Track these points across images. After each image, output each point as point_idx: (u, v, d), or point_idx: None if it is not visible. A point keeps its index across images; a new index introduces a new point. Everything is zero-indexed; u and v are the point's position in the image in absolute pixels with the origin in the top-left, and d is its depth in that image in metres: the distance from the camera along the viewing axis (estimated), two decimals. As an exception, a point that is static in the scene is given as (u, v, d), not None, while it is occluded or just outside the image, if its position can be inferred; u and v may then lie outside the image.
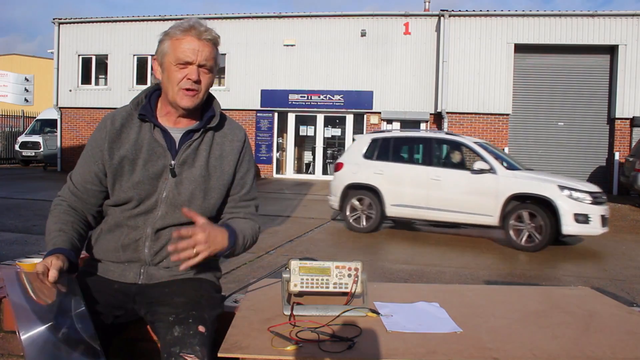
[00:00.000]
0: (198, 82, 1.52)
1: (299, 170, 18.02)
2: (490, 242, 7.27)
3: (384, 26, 16.46)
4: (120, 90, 17.81)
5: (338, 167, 8.12)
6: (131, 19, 18.05)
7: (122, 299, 1.49)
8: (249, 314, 1.42)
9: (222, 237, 1.45)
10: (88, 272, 1.55)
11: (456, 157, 7.72)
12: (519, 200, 6.76)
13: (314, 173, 17.54)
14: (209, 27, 1.53)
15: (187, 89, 1.51)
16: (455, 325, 1.38)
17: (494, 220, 6.82)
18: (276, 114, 17.44)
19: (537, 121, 15.65)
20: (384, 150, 7.90)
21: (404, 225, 8.34)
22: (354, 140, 8.61)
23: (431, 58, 16.07)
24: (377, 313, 1.43)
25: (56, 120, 18.93)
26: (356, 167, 7.83)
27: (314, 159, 17.73)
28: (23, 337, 1.21)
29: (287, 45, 17.00)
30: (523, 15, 15.35)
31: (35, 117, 21.05)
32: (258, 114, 17.40)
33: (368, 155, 7.91)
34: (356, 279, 1.47)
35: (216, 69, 1.58)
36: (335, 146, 17.65)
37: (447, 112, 15.51)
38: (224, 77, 17.74)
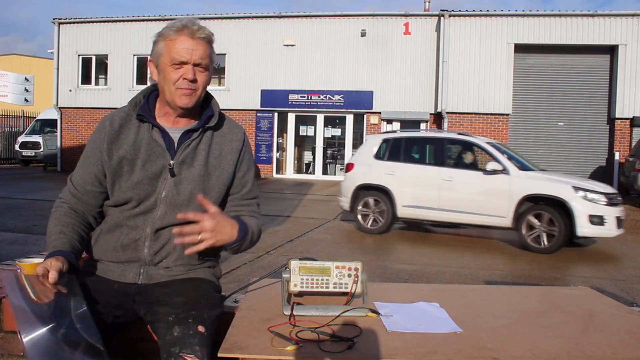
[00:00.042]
0: (194, 81, 1.51)
1: (299, 170, 18.02)
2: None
3: (384, 26, 16.46)
4: (120, 90, 17.82)
5: (349, 167, 8.05)
6: (131, 19, 18.06)
7: (122, 299, 1.49)
8: (249, 314, 1.42)
9: (232, 229, 1.45)
10: (88, 272, 1.55)
11: (468, 157, 7.61)
12: (533, 202, 6.66)
13: (314, 173, 17.54)
14: (202, 25, 1.52)
15: (184, 89, 1.51)
16: (455, 325, 1.38)
17: (507, 221, 6.73)
18: (276, 114, 17.44)
19: (537, 121, 15.65)
20: (395, 150, 7.83)
21: (416, 227, 8.26)
22: (365, 140, 8.54)
23: (431, 58, 16.07)
24: (377, 313, 1.43)
25: (56, 120, 18.92)
26: (367, 167, 7.76)
27: (314, 159, 17.73)
28: (25, 339, 1.21)
29: (287, 45, 17.00)
30: (523, 15, 15.35)
31: (35, 117, 21.05)
32: (258, 114, 17.40)
33: (379, 155, 7.85)
34: (356, 279, 1.47)
35: (212, 67, 1.58)
36: (335, 146, 17.65)
37: (447, 112, 15.51)
38: (224, 77, 17.74)
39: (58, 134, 18.90)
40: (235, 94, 17.26)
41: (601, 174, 14.96)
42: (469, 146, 7.60)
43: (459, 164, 7.57)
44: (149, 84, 1.68)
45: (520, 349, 1.24)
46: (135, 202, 1.54)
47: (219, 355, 1.20)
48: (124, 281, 1.53)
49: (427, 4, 18.37)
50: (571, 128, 15.52)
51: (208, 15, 17.55)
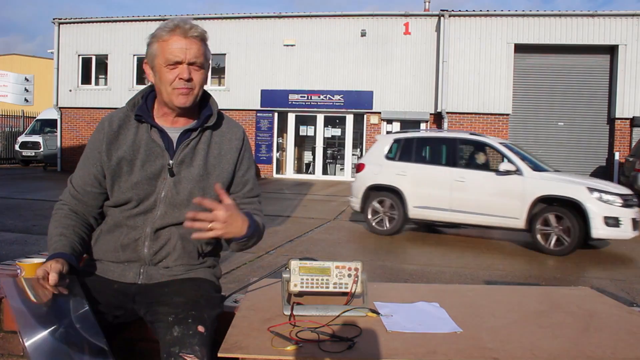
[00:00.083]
0: (190, 80, 1.51)
1: (299, 170, 18.02)
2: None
3: (384, 26, 16.46)
4: (120, 90, 17.82)
5: (360, 167, 7.96)
6: (131, 19, 18.06)
7: (122, 299, 1.49)
8: (249, 314, 1.42)
9: (242, 224, 1.45)
10: (88, 272, 1.55)
11: (480, 158, 7.46)
12: (547, 203, 6.54)
13: (314, 173, 17.55)
14: (194, 23, 1.52)
15: (181, 88, 1.51)
16: (455, 325, 1.38)
17: (520, 223, 6.62)
18: (276, 114, 17.44)
19: (537, 121, 15.65)
20: (407, 150, 7.73)
21: (427, 228, 8.16)
22: (376, 140, 8.33)
23: (431, 58, 16.07)
24: (377, 313, 1.43)
25: (56, 120, 18.93)
26: (378, 168, 7.67)
27: (314, 159, 17.73)
28: (27, 342, 1.21)
29: (287, 45, 17.00)
30: (523, 15, 15.35)
31: (35, 117, 21.05)
32: (258, 114, 17.40)
33: (390, 156, 7.76)
34: (356, 279, 1.47)
35: (208, 65, 1.57)
36: (335, 146, 17.65)
37: (447, 112, 15.51)
38: (224, 77, 17.75)
39: (58, 134, 18.90)
40: (235, 94, 17.26)
41: (601, 174, 14.96)
42: (481, 146, 7.47)
43: (471, 164, 7.44)
44: (148, 84, 1.68)
45: (520, 349, 1.24)
46: (135, 202, 1.54)
47: (219, 355, 1.20)
48: (124, 281, 1.53)
49: (427, 4, 18.38)
50: (571, 128, 15.53)
51: (208, 15, 17.56)
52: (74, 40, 18.57)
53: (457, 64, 15.49)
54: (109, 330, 1.43)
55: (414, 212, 7.34)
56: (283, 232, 7.21)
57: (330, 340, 1.24)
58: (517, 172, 6.74)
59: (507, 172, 6.75)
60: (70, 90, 18.64)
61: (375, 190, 7.62)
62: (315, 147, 17.57)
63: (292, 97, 17.02)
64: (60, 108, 18.77)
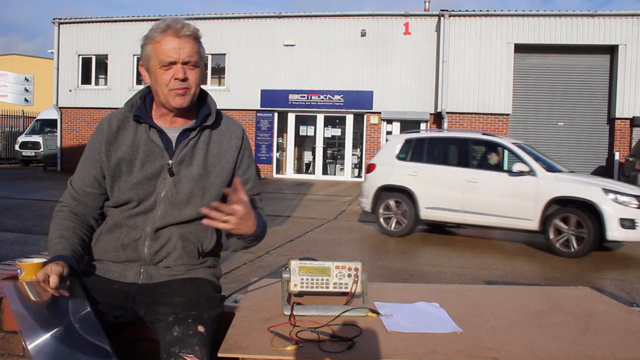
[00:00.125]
0: (185, 79, 1.51)
1: (299, 170, 18.02)
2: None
3: (384, 26, 16.46)
4: (120, 90, 17.82)
5: (370, 168, 7.86)
6: (131, 19, 18.06)
7: (122, 299, 1.49)
8: (249, 314, 1.42)
9: (253, 224, 1.47)
10: (88, 272, 1.55)
11: (493, 158, 7.39)
12: (561, 204, 6.42)
13: (314, 173, 17.55)
14: (186, 22, 1.51)
15: (177, 89, 1.51)
16: (455, 325, 1.38)
17: (533, 224, 6.51)
18: (276, 114, 17.44)
19: (537, 121, 15.65)
20: (418, 151, 7.62)
21: (439, 229, 8.07)
22: (387, 140, 8.34)
23: (431, 58, 16.07)
24: (377, 313, 1.43)
25: (56, 120, 18.93)
26: (389, 168, 7.58)
27: (314, 159, 17.73)
28: (30, 345, 1.21)
29: (287, 45, 17.00)
30: (523, 15, 15.35)
31: (35, 117, 21.06)
32: (258, 114, 17.40)
33: (401, 156, 7.65)
34: (356, 279, 1.47)
35: (203, 63, 1.57)
36: (335, 146, 17.65)
37: (447, 112, 15.51)
38: (224, 77, 17.75)
39: (58, 134, 18.91)
40: (235, 94, 17.26)
41: (601, 174, 14.95)
42: (493, 147, 7.39)
43: (483, 165, 7.34)
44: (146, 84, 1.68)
45: (520, 349, 1.24)
46: (135, 202, 1.54)
47: (219, 355, 1.20)
48: (125, 281, 1.53)
49: (427, 4, 18.38)
50: (571, 128, 15.53)
51: (208, 15, 17.56)
52: (74, 40, 18.57)
53: (457, 64, 15.49)
54: (109, 330, 1.43)
55: (425, 213, 7.24)
56: (283, 232, 7.21)
57: (330, 340, 1.24)
58: (531, 172, 6.64)
59: (521, 173, 6.65)
60: (70, 90, 18.64)
61: (386, 191, 7.53)
62: (315, 147, 17.57)
63: (292, 97, 17.02)
64: (60, 108, 18.78)
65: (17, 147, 19.13)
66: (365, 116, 16.78)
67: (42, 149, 18.82)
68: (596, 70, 15.42)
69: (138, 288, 1.52)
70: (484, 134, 7.80)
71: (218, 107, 1.68)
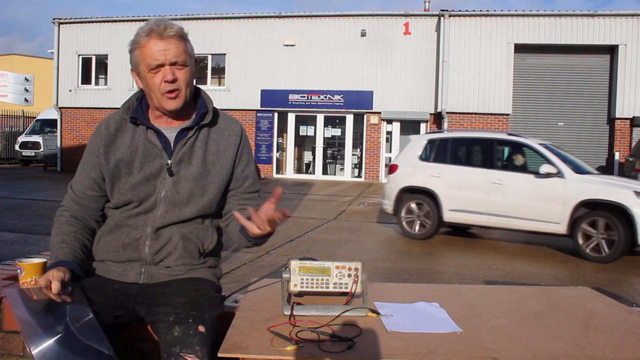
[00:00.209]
0: (175, 80, 1.50)
1: (299, 170, 18.02)
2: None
3: (384, 26, 16.46)
4: (120, 90, 17.82)
5: (392, 169, 7.73)
6: (131, 19, 18.05)
7: (123, 299, 1.49)
8: (249, 314, 1.42)
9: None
10: (89, 272, 1.56)
11: (519, 159, 7.14)
12: (590, 207, 6.22)
13: (314, 173, 17.54)
14: (170, 22, 1.50)
15: (168, 93, 1.50)
16: (455, 325, 1.38)
17: (561, 228, 6.32)
18: (276, 114, 17.44)
19: (537, 121, 15.65)
20: (442, 151, 7.44)
21: (462, 232, 7.93)
22: (409, 140, 8.02)
23: (431, 58, 16.07)
24: (377, 313, 1.43)
25: (56, 120, 18.93)
26: (412, 169, 7.42)
27: (314, 159, 17.73)
28: (34, 351, 1.21)
29: (287, 45, 17.00)
30: (523, 15, 15.35)
31: (35, 117, 21.06)
32: (258, 114, 17.40)
33: (424, 157, 7.49)
34: (356, 279, 1.47)
35: (192, 62, 1.56)
36: (335, 146, 17.65)
37: (447, 112, 15.51)
38: (224, 77, 17.76)
39: (58, 134, 18.91)
40: (235, 94, 17.26)
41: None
42: (519, 147, 7.16)
43: (509, 166, 7.12)
44: None
45: (520, 349, 1.24)
46: (136, 203, 1.55)
47: (219, 355, 1.20)
48: (125, 281, 1.53)
49: (427, 4, 18.38)
50: (571, 128, 15.53)
51: (208, 15, 17.57)
52: (74, 40, 18.57)
53: (457, 64, 15.49)
54: (109, 331, 1.43)
55: (449, 216, 7.07)
56: (283, 232, 7.21)
57: (330, 340, 1.24)
58: (559, 174, 6.45)
59: (548, 175, 6.47)
60: (70, 90, 18.64)
61: (409, 193, 7.38)
62: (315, 147, 17.57)
63: (292, 97, 17.02)
64: (60, 108, 18.78)
65: (17, 147, 19.13)
66: (365, 116, 16.78)
67: (42, 149, 18.82)
68: (596, 70, 15.42)
69: (139, 288, 1.52)
70: (509, 134, 7.56)
71: (218, 108, 1.68)
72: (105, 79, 18.71)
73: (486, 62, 15.42)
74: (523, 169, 7.03)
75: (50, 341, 1.24)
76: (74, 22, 18.63)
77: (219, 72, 18.06)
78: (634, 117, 14.82)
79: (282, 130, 17.73)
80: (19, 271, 1.47)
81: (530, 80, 15.63)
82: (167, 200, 1.54)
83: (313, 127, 17.46)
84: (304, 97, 16.95)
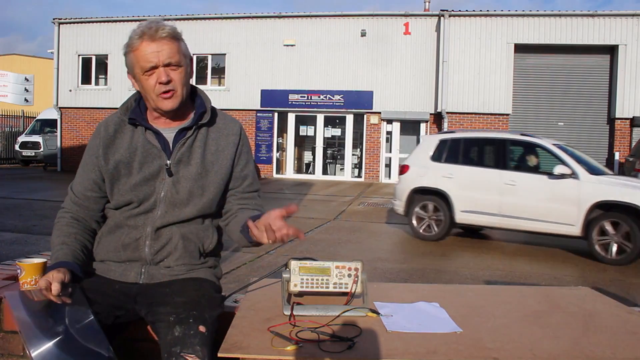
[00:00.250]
0: (170, 81, 1.50)
1: (299, 170, 18.02)
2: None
3: (384, 26, 16.46)
4: (120, 90, 17.82)
5: (403, 169, 7.62)
6: (131, 19, 18.04)
7: (123, 299, 1.49)
8: (249, 314, 1.42)
9: None
10: (89, 273, 1.56)
11: (532, 160, 7.02)
12: (605, 209, 6.10)
13: (314, 173, 17.55)
14: (162, 23, 1.50)
15: (164, 93, 1.51)
16: (455, 325, 1.38)
17: (575, 230, 6.21)
18: (276, 114, 17.44)
19: (537, 121, 15.65)
20: (453, 152, 7.34)
21: (474, 233, 7.86)
22: (420, 141, 8.09)
23: (431, 58, 16.07)
24: (377, 313, 1.43)
25: (56, 120, 18.93)
26: (423, 170, 7.33)
27: (314, 159, 17.73)
28: (33, 354, 1.21)
29: (287, 45, 17.00)
30: (523, 15, 15.35)
31: (35, 117, 21.06)
32: (258, 114, 17.40)
33: (436, 157, 7.37)
34: (356, 279, 1.47)
35: (187, 62, 1.55)
36: (335, 146, 17.65)
37: (447, 112, 15.51)
38: (224, 77, 17.75)
39: (58, 134, 18.91)
40: (235, 94, 17.26)
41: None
42: (532, 148, 7.05)
43: (522, 167, 7.01)
44: None
45: (520, 349, 1.24)
46: (136, 203, 1.55)
47: (219, 355, 1.20)
48: (126, 281, 1.53)
49: (427, 4, 18.38)
50: (571, 128, 15.53)
51: (208, 15, 17.57)
52: (74, 40, 18.57)
53: (457, 64, 15.49)
54: (110, 331, 1.43)
55: (461, 217, 6.98)
56: (283, 232, 7.20)
57: (330, 340, 1.24)
58: (573, 175, 6.34)
59: (562, 176, 6.36)
60: (70, 90, 18.64)
61: (420, 194, 7.30)
62: (315, 147, 17.57)
63: (292, 97, 17.02)
64: (60, 108, 18.78)
65: (17, 147, 19.13)
66: (365, 116, 16.78)
67: (42, 149, 18.82)
68: (596, 70, 15.42)
69: (139, 288, 1.52)
70: (522, 134, 7.43)
71: (218, 108, 1.68)
72: (105, 79, 18.71)
73: (486, 62, 15.42)
74: (536, 169, 6.90)
75: (50, 344, 1.24)
76: (74, 22, 18.63)
77: (219, 72, 18.06)
78: (634, 117, 14.83)
79: (282, 130, 17.72)
80: (19, 271, 1.47)
81: (530, 80, 15.63)
82: (167, 200, 1.54)
83: (313, 127, 17.46)
84: (304, 97, 16.95)
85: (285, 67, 17.02)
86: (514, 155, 7.25)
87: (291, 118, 17.54)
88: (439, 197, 7.15)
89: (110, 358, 1.28)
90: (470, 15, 15.63)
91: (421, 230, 7.25)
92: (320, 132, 17.40)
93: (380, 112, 16.50)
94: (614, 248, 6.03)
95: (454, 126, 15.45)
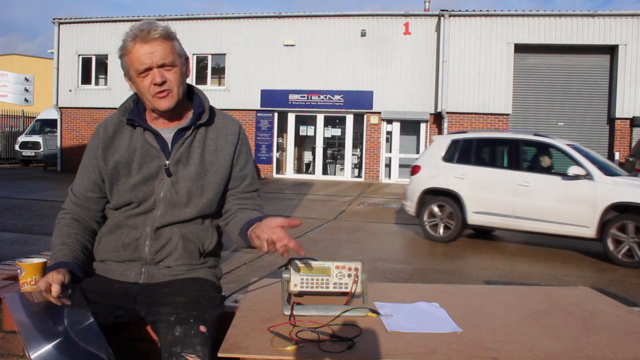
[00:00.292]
0: (164, 82, 1.50)
1: (299, 170, 18.02)
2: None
3: (384, 26, 16.46)
4: (120, 90, 17.82)
5: (415, 170, 7.55)
6: (131, 19, 18.03)
7: (124, 299, 1.49)
8: (249, 314, 1.42)
9: None
10: (90, 273, 1.56)
11: (546, 160, 6.94)
12: (620, 211, 6.01)
13: (314, 173, 17.55)
14: (155, 24, 1.50)
15: (159, 93, 1.50)
16: (455, 325, 1.38)
17: (590, 232, 6.12)
18: (276, 114, 17.44)
19: (537, 121, 15.65)
20: (466, 152, 7.26)
21: (486, 235, 7.82)
22: (432, 141, 7.76)
23: (431, 58, 16.07)
24: (377, 313, 1.43)
25: (56, 120, 18.94)
26: (435, 170, 7.26)
27: (314, 159, 17.73)
28: (33, 356, 1.21)
29: (287, 45, 17.00)
30: (523, 15, 15.35)
31: (35, 117, 21.06)
32: (258, 114, 17.40)
33: (448, 157, 7.29)
34: (356, 279, 1.47)
35: (182, 60, 1.55)
36: (335, 146, 17.65)
37: (447, 112, 15.51)
38: (224, 77, 17.75)
39: (58, 134, 18.91)
40: (235, 94, 17.26)
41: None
42: (546, 148, 6.96)
43: (535, 167, 6.92)
44: None
45: (520, 349, 1.24)
46: (135, 204, 1.55)
47: (219, 355, 1.20)
48: (126, 280, 1.53)
49: (427, 4, 18.38)
50: (571, 128, 15.53)
51: (208, 15, 17.57)
52: (74, 40, 18.57)
53: (457, 64, 15.49)
54: (110, 331, 1.43)
55: (473, 218, 6.92)
56: (283, 232, 7.20)
57: (330, 340, 1.24)
58: (588, 176, 6.24)
59: (577, 177, 6.26)
60: (70, 90, 18.64)
61: (432, 194, 7.24)
62: (315, 147, 17.57)
63: (292, 97, 17.02)
64: (60, 108, 18.78)
65: (17, 147, 19.13)
66: (365, 116, 16.78)
67: (42, 149, 18.83)
68: (596, 70, 15.42)
69: (139, 288, 1.52)
70: (535, 134, 7.32)
71: (219, 108, 1.68)
72: (105, 79, 18.71)
73: (486, 62, 15.42)
74: (550, 170, 6.83)
75: (49, 346, 1.24)
76: (74, 22, 18.63)
77: (219, 72, 18.05)
78: (634, 117, 14.83)
79: (282, 130, 17.72)
80: (19, 271, 1.47)
81: (530, 80, 15.63)
82: (166, 200, 1.54)
83: (313, 127, 17.46)
84: (304, 97, 16.95)
85: (285, 67, 17.02)
86: (527, 156, 7.15)
87: (291, 118, 17.54)
88: (451, 198, 7.08)
89: None
90: (470, 15, 15.63)
91: (433, 232, 7.19)
92: (320, 132, 17.39)
93: (380, 112, 16.50)
94: (630, 250, 5.93)
95: (454, 126, 15.44)
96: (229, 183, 1.64)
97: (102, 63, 18.75)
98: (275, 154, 17.56)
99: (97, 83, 18.89)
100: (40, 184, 13.46)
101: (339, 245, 6.67)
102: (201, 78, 17.80)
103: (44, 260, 1.50)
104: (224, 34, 17.30)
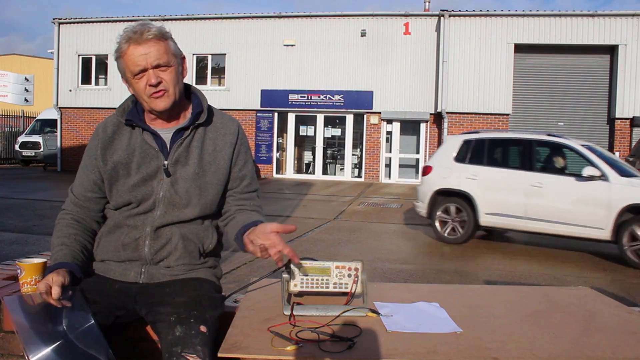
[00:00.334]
0: (160, 82, 1.50)
1: (299, 170, 18.02)
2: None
3: (384, 26, 16.46)
4: (120, 90, 17.79)
5: (426, 170, 7.50)
6: (131, 19, 18.02)
7: (124, 299, 1.49)
8: (249, 314, 1.42)
9: None
10: (90, 273, 1.56)
11: (559, 161, 6.85)
12: (636, 212, 5.90)
13: (314, 173, 17.54)
14: (148, 25, 1.50)
15: (154, 93, 1.50)
16: (455, 325, 1.38)
17: (605, 233, 6.01)
18: (276, 114, 17.44)
19: (537, 121, 15.65)
20: (478, 152, 7.15)
21: (498, 236, 7.71)
22: (443, 141, 7.90)
23: (431, 58, 16.07)
24: (377, 313, 1.43)
25: (56, 120, 18.94)
26: (447, 171, 7.18)
27: (314, 159, 17.73)
28: (32, 359, 1.20)
29: (287, 45, 17.00)
30: (523, 15, 15.35)
31: (35, 117, 21.06)
32: (258, 114, 17.40)
33: (460, 158, 7.20)
34: (356, 279, 1.47)
35: (178, 60, 1.55)
36: (335, 146, 17.65)
37: (447, 112, 15.51)
38: (224, 77, 17.75)
39: (58, 134, 18.91)
40: (235, 94, 17.26)
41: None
42: (559, 149, 6.89)
43: (548, 168, 6.80)
44: None
45: (520, 349, 1.24)
46: (135, 204, 1.55)
47: (219, 355, 1.20)
48: (126, 280, 1.53)
49: (427, 4, 18.38)
50: (571, 128, 15.52)
51: (208, 15, 17.56)
52: (74, 40, 18.56)
53: (457, 64, 15.49)
54: (110, 331, 1.43)
55: (485, 219, 6.82)
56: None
57: (330, 340, 1.24)
58: (602, 177, 6.13)
59: (591, 178, 6.17)
60: (70, 90, 18.64)
61: (444, 195, 7.17)
62: (315, 147, 17.57)
63: (292, 97, 17.02)
64: (60, 108, 18.77)
65: (17, 147, 19.13)
66: (365, 116, 16.78)
67: (42, 149, 18.83)
68: (596, 70, 15.42)
69: (139, 288, 1.52)
70: (549, 134, 7.24)
71: (219, 108, 1.68)
72: (105, 79, 18.71)
73: (486, 62, 15.42)
74: (563, 171, 6.74)
75: (49, 349, 1.23)
76: (74, 22, 18.63)
77: (219, 72, 18.05)
78: (634, 117, 14.83)
79: (282, 130, 17.72)
80: (19, 271, 1.47)
81: (530, 80, 15.63)
82: (166, 200, 1.54)
83: (313, 127, 17.46)
84: (304, 97, 16.95)
85: (285, 67, 17.02)
86: (541, 156, 7.04)
87: (291, 118, 17.54)
88: (463, 199, 7.00)
89: None
90: (470, 15, 15.63)
91: (445, 233, 7.11)
92: (320, 132, 17.39)
93: (380, 112, 16.50)
94: None
95: (454, 126, 15.45)
96: (227, 183, 1.64)
97: (102, 63, 18.75)
98: (275, 154, 17.56)
99: (97, 83, 18.89)
100: (40, 184, 13.46)
101: (339, 245, 6.67)
102: (201, 78, 17.79)
103: (44, 260, 1.50)
104: (224, 34, 17.30)
